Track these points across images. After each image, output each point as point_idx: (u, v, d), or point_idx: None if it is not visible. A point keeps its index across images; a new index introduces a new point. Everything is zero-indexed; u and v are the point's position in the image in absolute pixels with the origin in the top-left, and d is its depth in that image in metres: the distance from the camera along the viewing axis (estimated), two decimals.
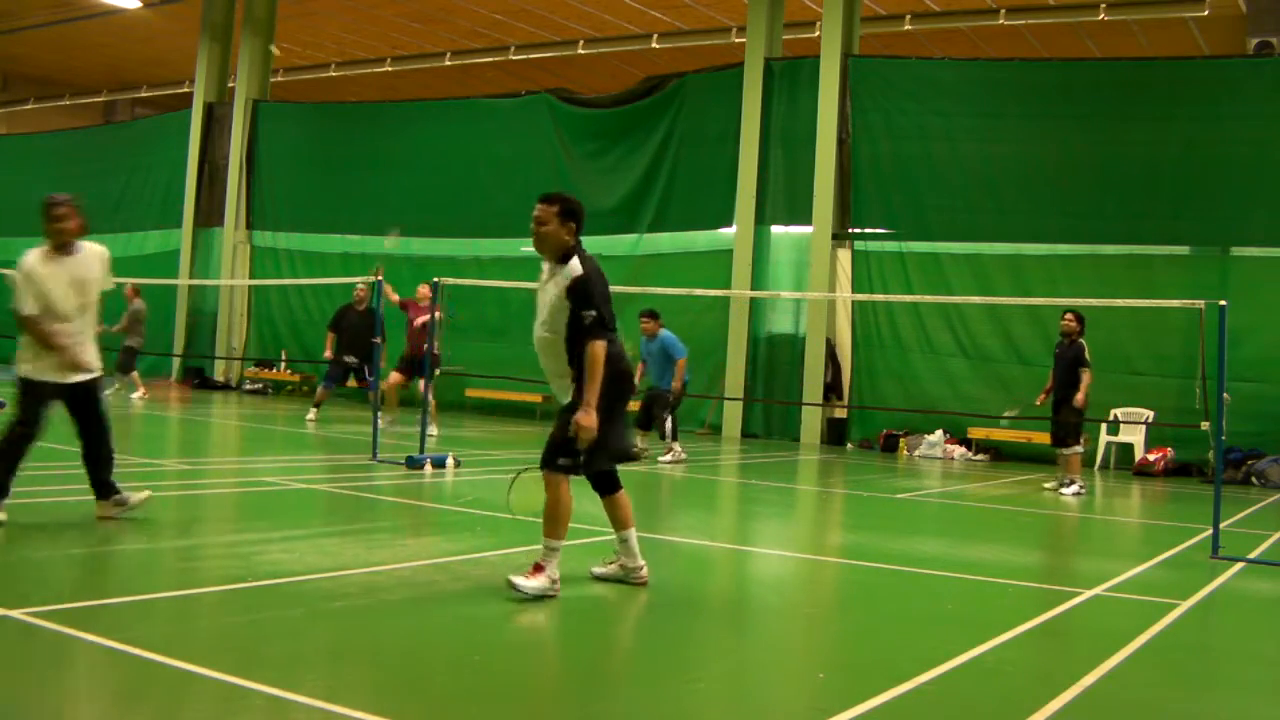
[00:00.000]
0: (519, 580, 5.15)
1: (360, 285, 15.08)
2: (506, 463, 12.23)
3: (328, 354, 15.52)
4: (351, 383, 15.89)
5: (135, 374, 17.72)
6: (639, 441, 13.26)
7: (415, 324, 14.29)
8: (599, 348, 5.26)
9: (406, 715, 3.56)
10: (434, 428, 14.19)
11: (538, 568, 5.20)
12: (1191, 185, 15.38)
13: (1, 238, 26.81)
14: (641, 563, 5.64)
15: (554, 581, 5.22)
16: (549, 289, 5.47)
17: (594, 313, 5.31)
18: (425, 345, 13.02)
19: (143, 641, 4.01)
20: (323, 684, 3.82)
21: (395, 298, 14.58)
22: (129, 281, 18.32)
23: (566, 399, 5.45)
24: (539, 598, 5.13)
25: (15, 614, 4.29)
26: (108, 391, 17.90)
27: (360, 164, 21.80)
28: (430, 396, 12.51)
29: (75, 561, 5.52)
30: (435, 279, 11.56)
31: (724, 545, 7.98)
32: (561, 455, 5.33)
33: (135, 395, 17.29)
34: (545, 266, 5.57)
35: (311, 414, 15.12)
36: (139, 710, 3.49)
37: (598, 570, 5.72)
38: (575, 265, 5.38)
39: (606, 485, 5.61)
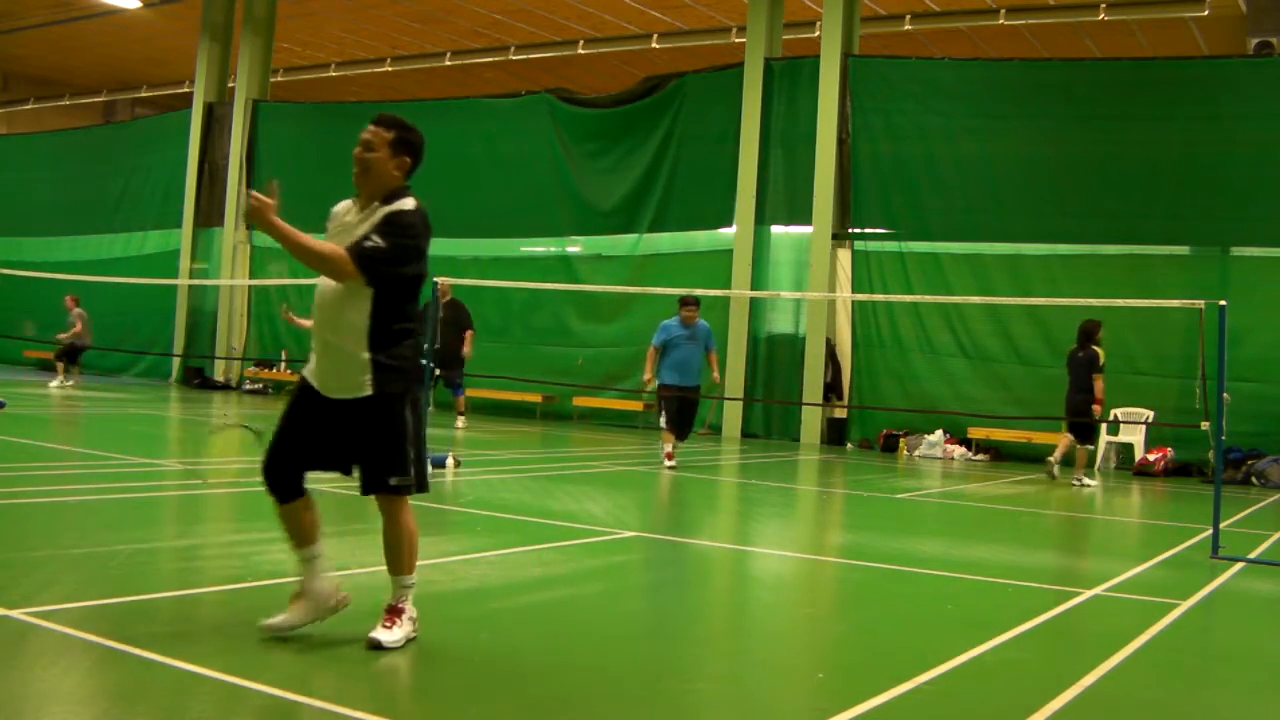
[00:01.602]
0: (381, 636, 4.19)
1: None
2: (506, 463, 12.23)
3: None
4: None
5: (62, 366, 18.93)
6: (669, 447, 12.18)
7: None
8: (346, 260, 4.07)
9: (407, 715, 3.56)
10: None
11: (395, 612, 4.26)
12: (1191, 185, 15.38)
13: (2, 237, 26.86)
14: (333, 584, 4.40)
15: (413, 621, 4.32)
16: (358, 232, 4.23)
17: (382, 244, 4.10)
18: None
19: (143, 641, 4.01)
20: (323, 684, 3.82)
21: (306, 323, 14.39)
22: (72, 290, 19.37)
23: (356, 390, 4.20)
24: (407, 643, 4.27)
25: (15, 614, 4.29)
26: (53, 384, 18.79)
27: None
28: None
29: (75, 561, 5.52)
30: (435, 279, 11.55)
31: (724, 545, 7.97)
32: (393, 473, 4.26)
33: (54, 384, 18.63)
34: (349, 206, 4.42)
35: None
36: (139, 710, 3.49)
37: (276, 621, 4.25)
38: (407, 202, 4.29)
39: (291, 490, 4.36)
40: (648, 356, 12.25)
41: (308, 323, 15.10)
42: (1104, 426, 15.05)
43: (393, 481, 4.27)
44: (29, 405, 15.36)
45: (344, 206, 4.43)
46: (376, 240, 4.11)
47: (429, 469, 4.45)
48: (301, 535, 4.36)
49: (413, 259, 4.22)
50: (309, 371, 4.35)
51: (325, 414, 4.28)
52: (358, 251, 4.08)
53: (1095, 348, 12.67)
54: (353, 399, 4.21)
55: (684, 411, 12.28)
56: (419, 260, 4.27)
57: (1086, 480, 12.75)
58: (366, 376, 4.19)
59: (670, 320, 12.25)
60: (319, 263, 4.10)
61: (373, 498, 4.38)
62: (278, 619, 4.23)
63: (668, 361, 12.08)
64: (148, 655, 3.88)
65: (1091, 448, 13.09)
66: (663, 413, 12.25)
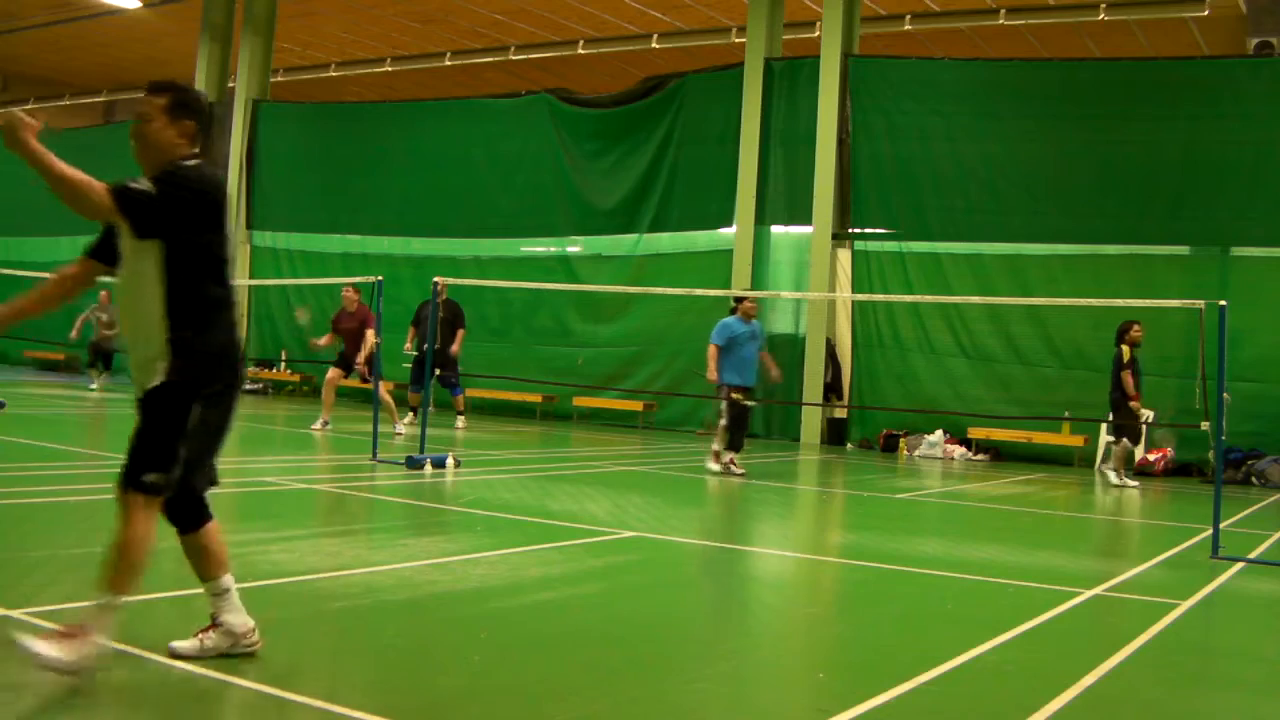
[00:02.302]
0: (40, 646, 3.46)
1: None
2: (506, 463, 12.24)
3: (408, 346, 15.52)
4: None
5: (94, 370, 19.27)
6: (736, 468, 11.61)
7: (342, 328, 14.08)
8: (103, 192, 3.50)
9: (406, 715, 3.56)
10: (400, 425, 14.06)
11: (76, 631, 3.53)
12: (1191, 185, 15.40)
13: (2, 237, 26.86)
14: (250, 622, 3.93)
15: (96, 647, 3.54)
16: None
17: (150, 190, 3.58)
18: (366, 344, 13.37)
19: (143, 641, 4.01)
20: (323, 684, 3.82)
21: (323, 342, 14.36)
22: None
23: (152, 379, 3.71)
24: (73, 673, 3.50)
25: (15, 614, 4.29)
26: (94, 385, 18.84)
27: (360, 164, 21.81)
28: (384, 395, 12.27)
29: (75, 561, 5.52)
30: (436, 279, 11.57)
31: (724, 545, 7.98)
32: (150, 468, 3.67)
33: (94, 385, 18.87)
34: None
35: (408, 418, 14.78)
36: (139, 710, 3.49)
37: (183, 647, 3.87)
38: (189, 161, 3.80)
39: (193, 517, 3.95)
40: (710, 355, 11.62)
41: (324, 342, 15.16)
42: (1103, 426, 15.04)
43: (149, 478, 3.65)
44: (29, 405, 15.36)
45: None
46: (144, 184, 3.60)
47: (215, 478, 4.00)
48: (207, 567, 3.95)
49: (191, 215, 3.69)
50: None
51: None
52: (119, 186, 3.55)
53: (1122, 345, 12.86)
54: (149, 390, 3.72)
55: (743, 418, 11.79)
56: (204, 223, 3.74)
57: (1117, 478, 12.93)
58: (163, 363, 3.70)
59: (730, 319, 11.78)
60: (72, 193, 3.47)
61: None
62: (185, 645, 3.87)
63: (732, 361, 11.55)
64: (148, 655, 3.88)
65: (1125, 446, 13.14)
66: (724, 416, 11.65)
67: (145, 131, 3.81)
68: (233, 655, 3.89)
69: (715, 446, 11.81)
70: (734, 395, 11.60)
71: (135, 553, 3.65)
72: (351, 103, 26.07)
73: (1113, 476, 12.98)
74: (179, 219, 3.66)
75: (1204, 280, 15.12)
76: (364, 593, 5.28)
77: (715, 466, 11.67)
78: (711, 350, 11.65)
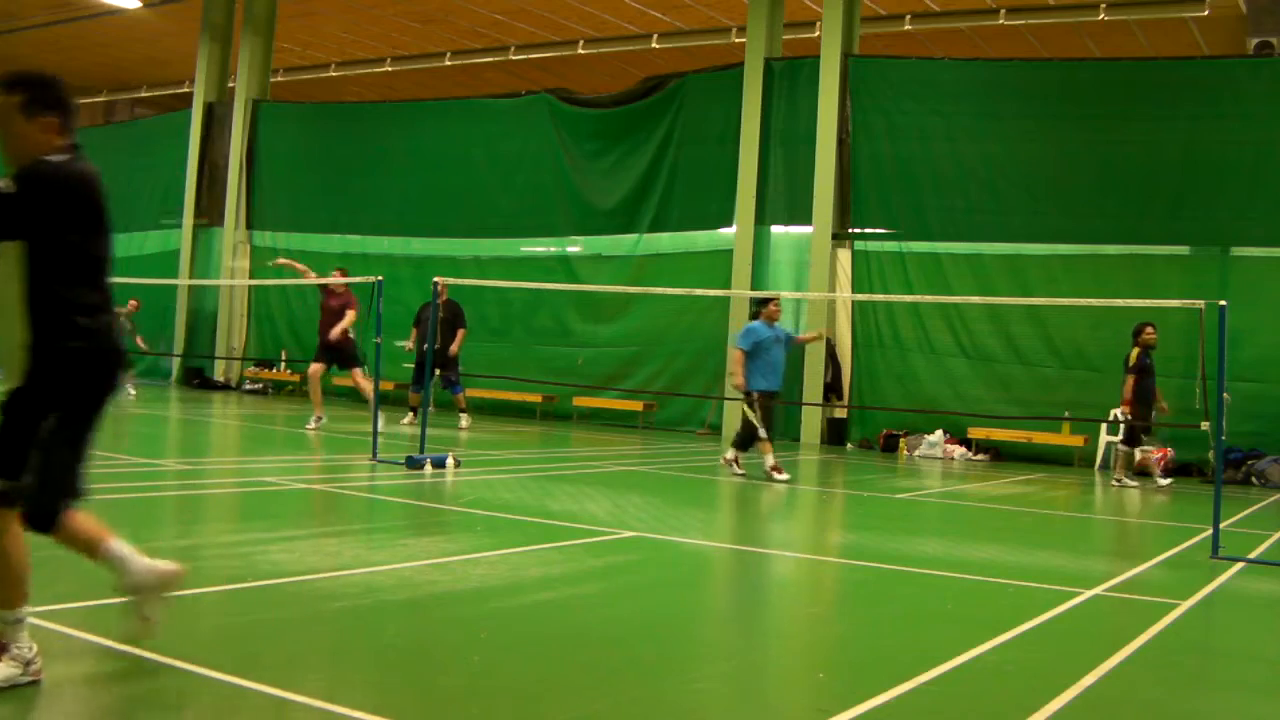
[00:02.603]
0: None
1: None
2: (506, 463, 12.24)
3: (409, 345, 15.70)
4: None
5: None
6: (772, 459, 11.48)
7: (322, 303, 14.18)
8: None
9: (406, 715, 3.56)
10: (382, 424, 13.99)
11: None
12: (1191, 185, 15.40)
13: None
14: (148, 561, 4.00)
15: (26, 663, 3.52)
16: None
17: (11, 190, 3.46)
18: (347, 334, 13.66)
19: (143, 642, 4.01)
20: (323, 684, 3.82)
21: (312, 275, 14.52)
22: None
23: (10, 381, 3.59)
24: (13, 687, 3.49)
25: None
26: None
27: (360, 164, 21.82)
28: (362, 385, 12.25)
29: (75, 561, 5.51)
30: (436, 279, 11.58)
31: (724, 545, 7.98)
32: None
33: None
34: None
35: (408, 418, 14.92)
36: (139, 710, 3.49)
37: (138, 631, 3.94)
38: (55, 156, 3.61)
39: (49, 521, 3.76)
40: (735, 360, 11.52)
41: (303, 267, 15.34)
42: (1104, 426, 15.03)
43: None
44: None
45: None
46: (7, 183, 3.46)
47: (75, 487, 3.80)
48: (87, 548, 3.87)
49: (53, 213, 3.52)
50: None
51: None
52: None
53: (1135, 349, 12.90)
54: (8, 393, 3.58)
55: (769, 419, 11.68)
56: (70, 221, 3.56)
57: (1127, 480, 13.02)
58: (20, 366, 3.54)
59: (754, 323, 11.60)
60: None
61: None
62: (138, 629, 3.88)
63: (758, 365, 11.37)
64: (148, 655, 3.88)
65: (1127, 449, 13.18)
66: (760, 423, 11.40)
67: (2, 132, 3.62)
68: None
69: (771, 462, 11.47)
70: (763, 399, 11.43)
71: (15, 565, 3.54)
72: (351, 103, 26.08)
73: (1161, 480, 13.11)
74: (40, 217, 3.49)
75: (1204, 280, 15.12)
76: (364, 593, 5.28)
77: (782, 476, 11.33)
78: (737, 355, 11.50)
